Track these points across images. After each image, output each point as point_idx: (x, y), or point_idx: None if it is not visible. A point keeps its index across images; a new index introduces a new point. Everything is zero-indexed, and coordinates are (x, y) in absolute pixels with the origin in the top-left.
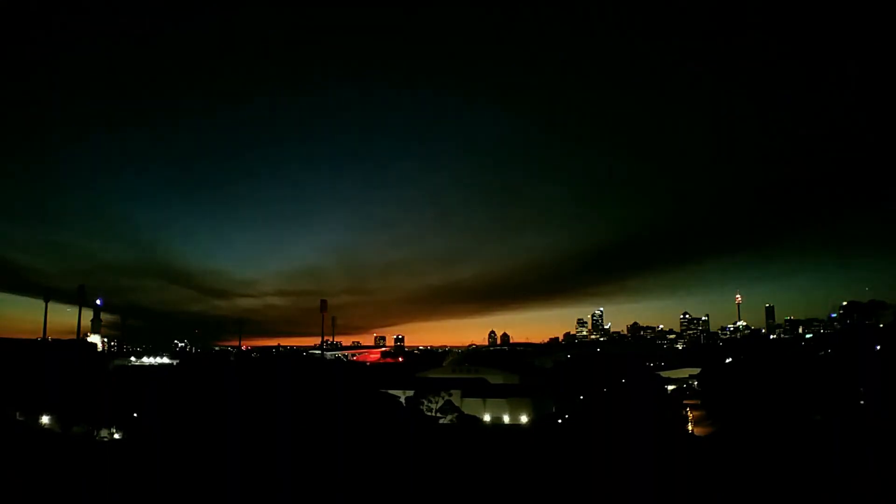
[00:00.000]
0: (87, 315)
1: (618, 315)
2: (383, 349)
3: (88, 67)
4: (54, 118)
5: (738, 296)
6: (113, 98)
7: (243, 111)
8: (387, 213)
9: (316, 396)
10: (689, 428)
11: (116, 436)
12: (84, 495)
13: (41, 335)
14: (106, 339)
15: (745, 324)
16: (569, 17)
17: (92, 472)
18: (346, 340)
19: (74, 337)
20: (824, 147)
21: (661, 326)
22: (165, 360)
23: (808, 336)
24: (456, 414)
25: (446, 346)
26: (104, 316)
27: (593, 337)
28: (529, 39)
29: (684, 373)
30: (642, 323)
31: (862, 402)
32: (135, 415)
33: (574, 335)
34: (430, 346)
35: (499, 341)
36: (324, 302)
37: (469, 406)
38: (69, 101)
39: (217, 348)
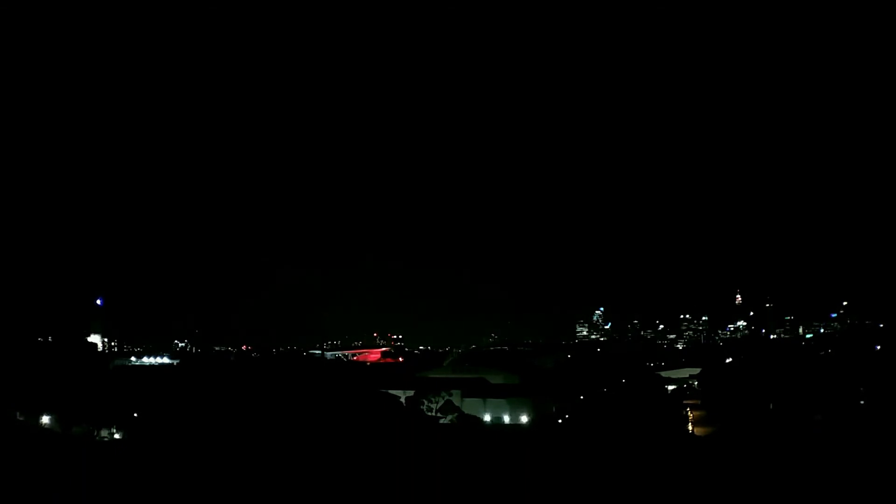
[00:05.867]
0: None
1: (618, 315)
2: (383, 349)
3: None
4: None
5: (738, 296)
6: None
7: None
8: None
9: (316, 396)
10: (689, 428)
11: (116, 436)
12: (84, 495)
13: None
14: (106, 339)
15: (745, 324)
16: None
17: (92, 472)
18: (346, 340)
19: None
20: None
21: (662, 326)
22: (166, 360)
23: (808, 336)
24: (456, 414)
25: (446, 346)
26: (104, 315)
27: (593, 337)
28: None
29: (684, 373)
30: (642, 323)
31: (862, 402)
32: (135, 415)
33: (574, 335)
34: (430, 347)
35: (499, 341)
36: (324, 302)
37: (469, 406)
38: None
39: (217, 349)
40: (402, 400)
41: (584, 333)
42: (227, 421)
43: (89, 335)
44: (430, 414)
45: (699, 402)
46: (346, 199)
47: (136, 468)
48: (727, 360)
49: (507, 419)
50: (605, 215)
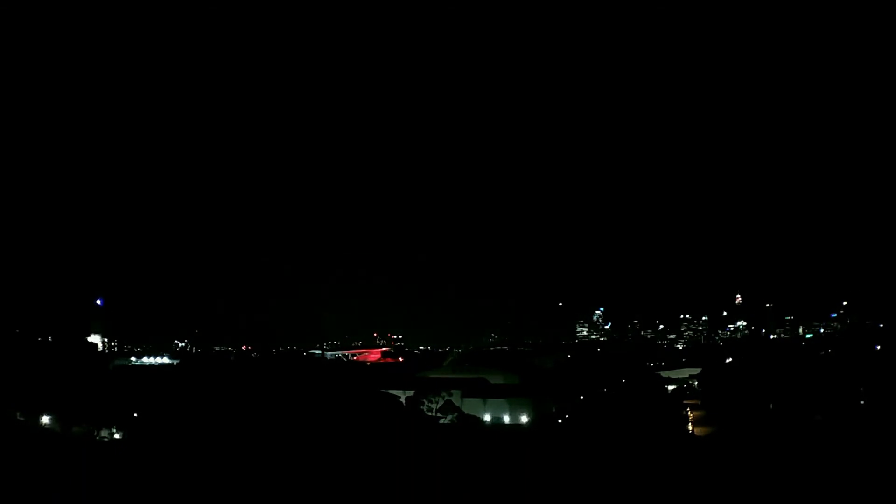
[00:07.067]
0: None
1: (618, 315)
2: (383, 349)
3: None
4: None
5: (737, 296)
6: None
7: None
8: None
9: (316, 396)
10: (689, 428)
11: (116, 436)
12: (84, 495)
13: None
14: (106, 339)
15: (745, 324)
16: None
17: (92, 472)
18: (346, 340)
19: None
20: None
21: (662, 326)
22: (166, 360)
23: (808, 336)
24: (456, 414)
25: (446, 346)
26: (104, 315)
27: (593, 337)
28: None
29: (684, 373)
30: (642, 323)
31: (862, 402)
32: (135, 415)
33: (574, 335)
34: (430, 347)
35: (499, 341)
36: (324, 302)
37: (469, 406)
38: None
39: (217, 349)
40: (402, 400)
41: (584, 333)
42: (228, 421)
43: (89, 335)
44: (430, 414)
45: (699, 402)
46: (346, 199)
47: (136, 468)
48: (727, 360)
49: (507, 419)
50: (606, 216)
